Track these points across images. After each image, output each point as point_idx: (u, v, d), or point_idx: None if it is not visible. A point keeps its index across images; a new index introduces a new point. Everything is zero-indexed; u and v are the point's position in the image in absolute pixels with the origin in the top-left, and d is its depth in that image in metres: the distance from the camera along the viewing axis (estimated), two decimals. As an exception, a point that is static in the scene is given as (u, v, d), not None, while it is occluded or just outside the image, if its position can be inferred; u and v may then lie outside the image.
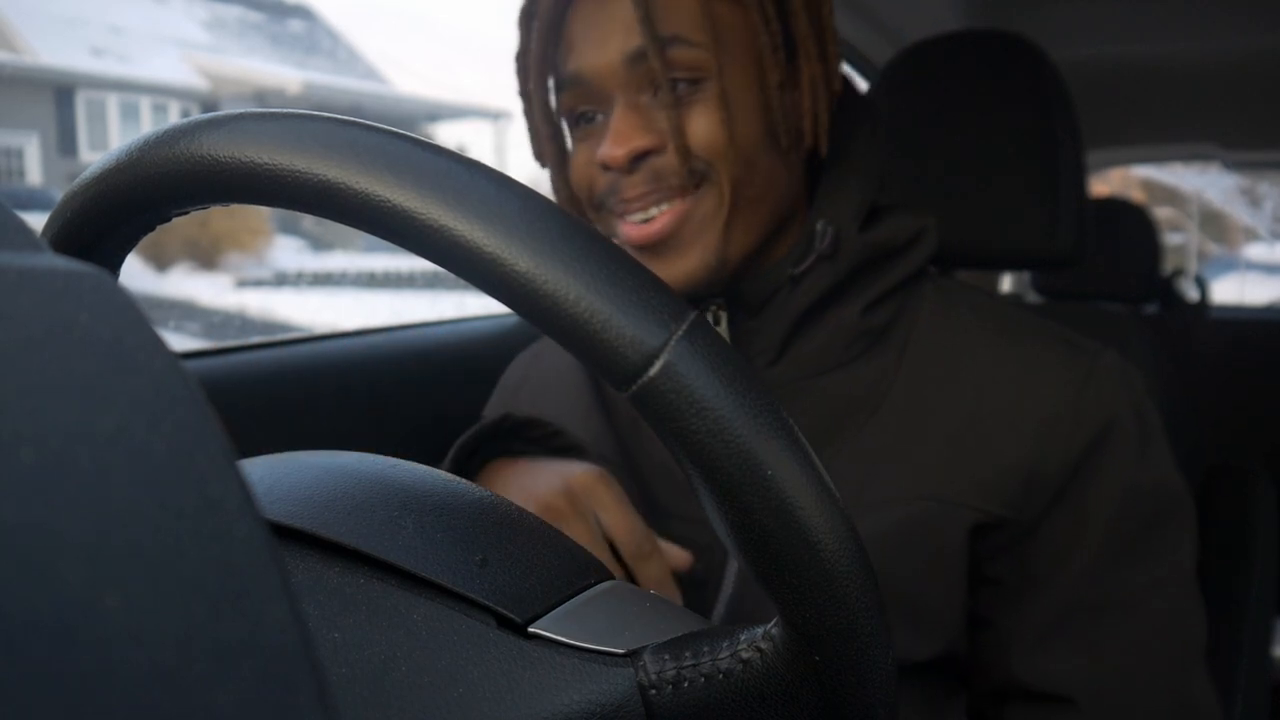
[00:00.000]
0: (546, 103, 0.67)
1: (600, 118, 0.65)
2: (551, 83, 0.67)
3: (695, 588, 0.67)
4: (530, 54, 0.67)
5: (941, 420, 0.65)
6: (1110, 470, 0.63)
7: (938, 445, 0.64)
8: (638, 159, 0.62)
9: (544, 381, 0.82)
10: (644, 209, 0.63)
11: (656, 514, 0.70)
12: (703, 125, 0.62)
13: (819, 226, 0.66)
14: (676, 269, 0.64)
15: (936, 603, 0.63)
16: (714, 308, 0.67)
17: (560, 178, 0.69)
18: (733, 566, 0.66)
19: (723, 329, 0.67)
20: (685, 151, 0.62)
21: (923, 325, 0.68)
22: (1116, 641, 0.63)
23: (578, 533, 0.59)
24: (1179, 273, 1.94)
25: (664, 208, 0.63)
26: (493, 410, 0.85)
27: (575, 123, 0.67)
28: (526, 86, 0.68)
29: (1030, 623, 0.64)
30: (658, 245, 0.63)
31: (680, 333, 0.28)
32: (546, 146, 0.69)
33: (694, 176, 0.63)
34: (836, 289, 0.66)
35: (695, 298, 0.67)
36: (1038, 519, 0.63)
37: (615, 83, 0.63)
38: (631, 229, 0.64)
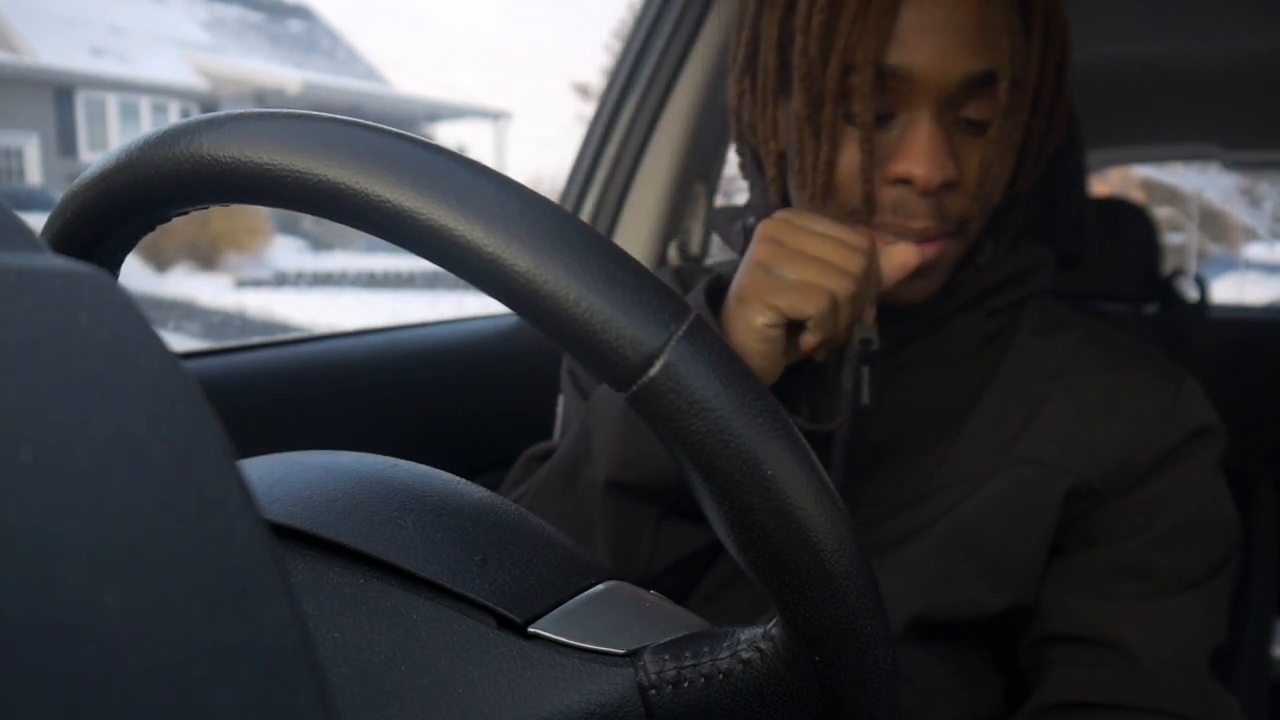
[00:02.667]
0: (842, 79, 0.60)
1: (891, 122, 0.61)
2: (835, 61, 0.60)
3: None
4: (840, 21, 0.59)
5: (1041, 405, 0.69)
6: (1193, 468, 0.67)
7: (1038, 423, 0.68)
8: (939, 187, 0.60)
9: None
10: (913, 238, 0.61)
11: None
12: (993, 171, 0.62)
13: (984, 243, 0.68)
14: (917, 291, 0.64)
15: (1023, 559, 0.66)
16: None
17: (827, 166, 0.62)
18: None
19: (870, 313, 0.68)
20: (983, 197, 0.61)
21: (1023, 333, 0.72)
22: (1162, 610, 0.65)
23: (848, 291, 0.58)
24: (1179, 272, 1.94)
25: (924, 244, 0.62)
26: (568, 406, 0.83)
27: (848, 116, 0.61)
28: (812, 48, 0.60)
29: (1087, 573, 0.67)
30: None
31: (680, 333, 0.28)
32: (828, 129, 0.61)
33: (960, 223, 0.62)
34: (977, 297, 0.69)
35: None
36: (1114, 495, 0.67)
37: (940, 96, 0.59)
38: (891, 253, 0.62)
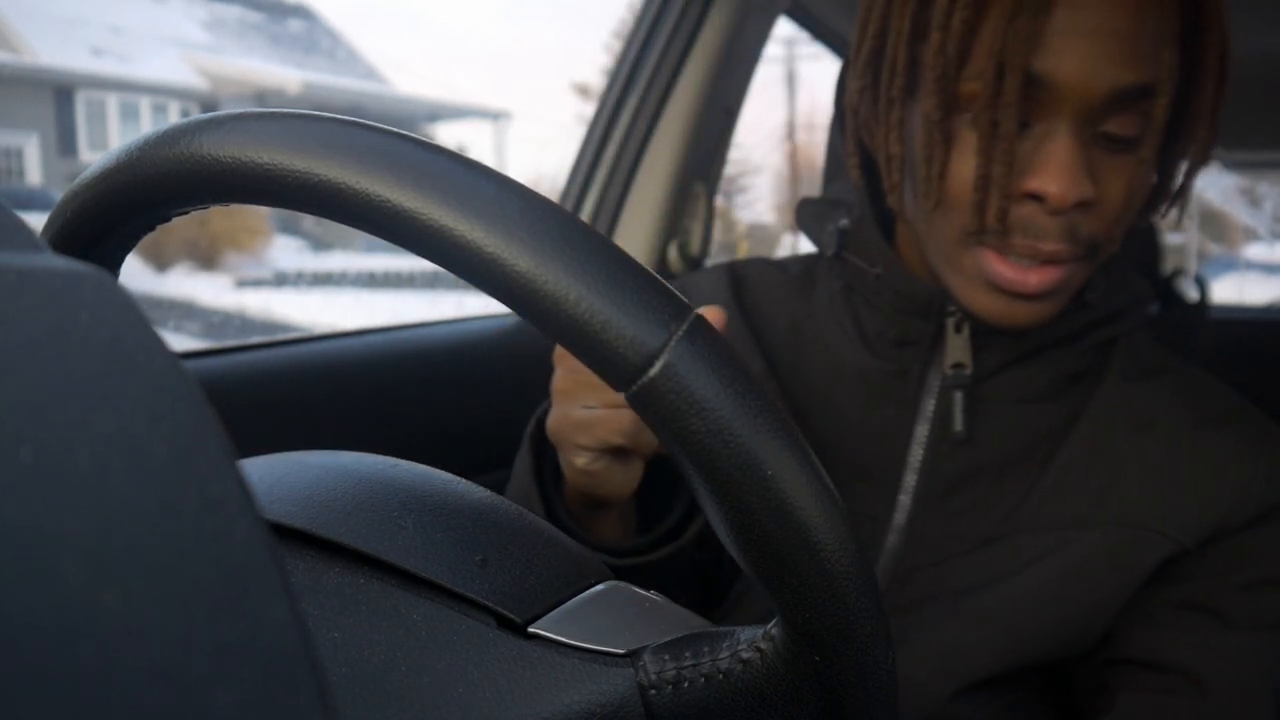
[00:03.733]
0: (956, 76, 0.56)
1: (1026, 133, 0.57)
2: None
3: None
4: (986, 20, 0.55)
5: (1133, 459, 0.66)
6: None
7: (1130, 479, 0.65)
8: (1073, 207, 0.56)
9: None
10: (1038, 260, 0.57)
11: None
12: (1137, 193, 0.58)
13: (1096, 276, 0.65)
14: (1036, 314, 0.60)
15: (1107, 614, 0.64)
16: (958, 315, 0.65)
17: (941, 165, 0.58)
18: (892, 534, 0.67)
19: (964, 338, 0.65)
20: (1122, 220, 0.57)
21: (1112, 374, 0.68)
22: (1231, 644, 0.63)
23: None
24: (1179, 273, 1.94)
25: (1050, 267, 0.57)
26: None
27: (977, 119, 0.56)
28: (950, 47, 0.56)
29: (1163, 606, 0.64)
30: (1028, 297, 0.59)
31: (680, 333, 0.28)
32: (939, 130, 0.57)
33: (1091, 248, 0.58)
34: (1078, 332, 0.66)
35: (945, 304, 0.65)
36: (1204, 547, 0.64)
37: (1082, 108, 0.55)
38: (1011, 272, 0.58)
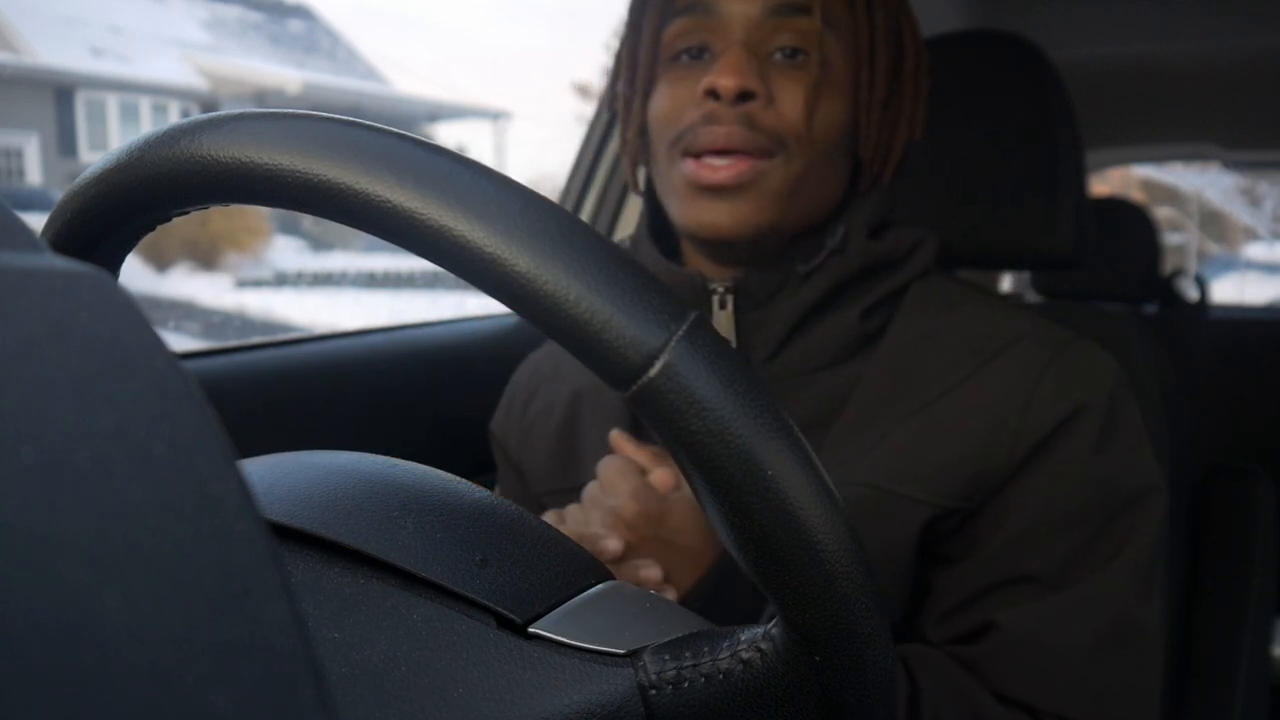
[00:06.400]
0: (658, 30, 0.69)
1: (707, 55, 0.67)
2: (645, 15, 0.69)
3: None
4: None
5: (898, 412, 0.66)
6: (1056, 464, 0.64)
7: (890, 436, 0.65)
8: (743, 97, 0.64)
9: (549, 389, 0.83)
10: (725, 154, 0.64)
11: None
12: (815, 99, 0.66)
13: (834, 227, 0.69)
14: (738, 212, 0.65)
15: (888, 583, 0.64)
16: (721, 292, 0.68)
17: (640, 113, 0.70)
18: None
19: (728, 314, 0.68)
20: (801, 120, 0.65)
21: (899, 324, 0.70)
22: (1028, 611, 0.62)
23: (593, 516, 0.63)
24: (1179, 273, 1.94)
25: (738, 159, 0.64)
26: (499, 425, 0.86)
27: (675, 58, 0.68)
28: (640, 15, 0.70)
29: (958, 587, 0.65)
30: (724, 190, 0.65)
31: (680, 333, 0.28)
32: (642, 75, 0.70)
33: (777, 142, 0.65)
34: (840, 288, 0.68)
35: (706, 282, 0.69)
36: (983, 504, 0.64)
37: (745, 26, 0.65)
38: (704, 170, 0.64)
